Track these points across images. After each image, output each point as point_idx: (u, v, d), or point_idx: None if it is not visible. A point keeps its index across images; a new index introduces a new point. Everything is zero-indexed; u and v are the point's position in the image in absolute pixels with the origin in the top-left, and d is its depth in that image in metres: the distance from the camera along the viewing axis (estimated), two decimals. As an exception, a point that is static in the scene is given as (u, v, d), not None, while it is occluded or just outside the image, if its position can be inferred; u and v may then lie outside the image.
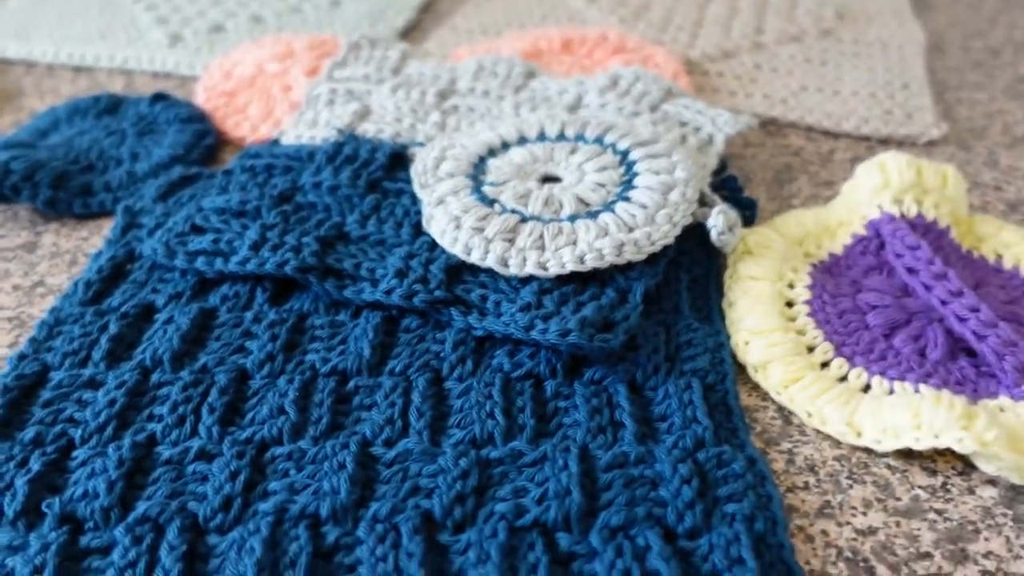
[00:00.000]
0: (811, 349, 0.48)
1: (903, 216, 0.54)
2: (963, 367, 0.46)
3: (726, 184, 0.59)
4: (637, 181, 0.53)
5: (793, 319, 0.49)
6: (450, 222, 0.51)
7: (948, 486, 0.41)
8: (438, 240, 0.50)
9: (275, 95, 0.73)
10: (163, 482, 0.39)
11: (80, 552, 0.36)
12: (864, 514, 0.40)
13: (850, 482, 0.41)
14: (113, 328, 0.48)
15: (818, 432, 0.44)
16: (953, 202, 0.55)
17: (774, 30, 0.88)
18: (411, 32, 0.92)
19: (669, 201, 0.51)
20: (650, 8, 0.95)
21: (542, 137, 0.58)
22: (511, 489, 0.38)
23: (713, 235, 0.51)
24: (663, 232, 0.49)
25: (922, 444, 0.41)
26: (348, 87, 0.69)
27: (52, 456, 0.40)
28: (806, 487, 0.41)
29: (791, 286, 0.51)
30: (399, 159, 0.59)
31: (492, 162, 0.56)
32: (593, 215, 0.50)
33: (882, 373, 0.46)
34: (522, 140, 0.58)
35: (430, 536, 0.37)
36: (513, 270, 0.48)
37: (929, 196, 0.54)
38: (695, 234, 0.54)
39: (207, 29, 0.89)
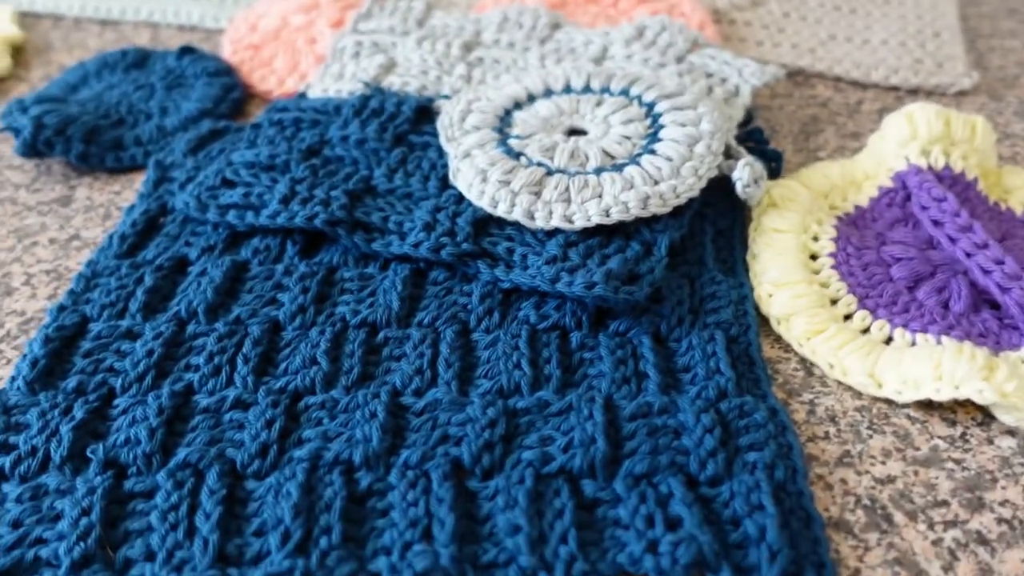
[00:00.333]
0: (834, 301, 0.48)
1: (930, 168, 0.53)
2: (986, 319, 0.46)
3: (752, 136, 0.59)
4: (663, 133, 0.53)
5: (817, 271, 0.49)
6: (477, 175, 0.51)
7: (967, 436, 0.42)
8: (465, 193, 0.51)
9: (300, 48, 0.73)
10: (202, 430, 0.40)
11: (124, 495, 0.38)
12: (883, 463, 0.40)
13: (870, 432, 0.42)
14: (148, 280, 0.49)
15: (839, 383, 0.45)
16: (981, 154, 0.55)
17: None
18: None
19: (695, 154, 0.51)
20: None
21: (568, 89, 0.58)
22: (538, 437, 0.40)
23: (738, 188, 0.51)
24: (688, 185, 0.50)
25: (942, 395, 0.41)
26: (373, 39, 0.69)
27: (94, 404, 0.42)
28: (826, 437, 0.42)
29: (816, 238, 0.51)
30: (425, 112, 0.60)
31: (518, 115, 0.57)
32: (619, 168, 0.51)
33: (905, 325, 0.46)
34: (548, 92, 0.58)
35: (459, 482, 0.38)
36: (539, 223, 0.49)
37: (957, 148, 0.54)
38: (720, 186, 0.54)
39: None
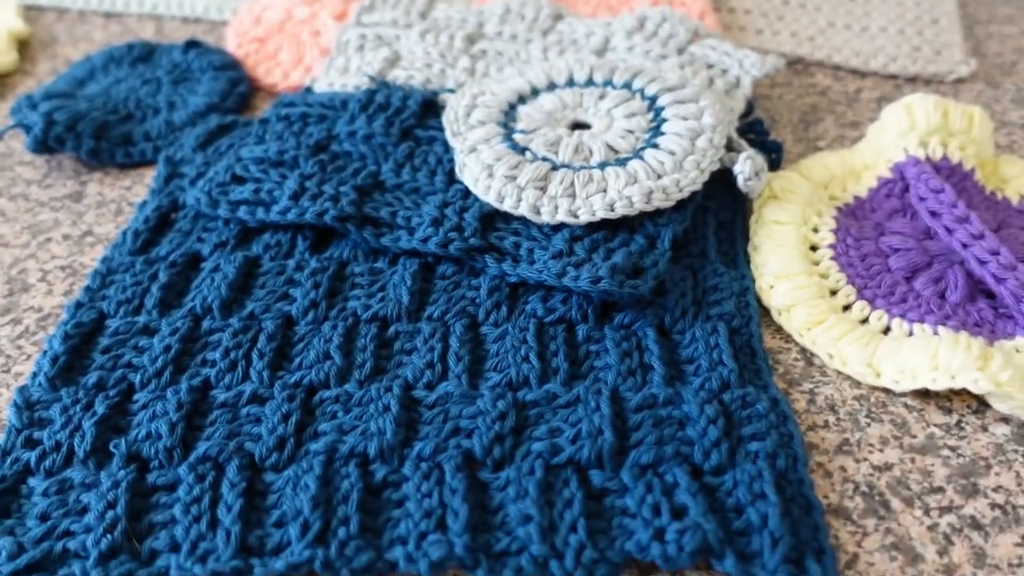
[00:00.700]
0: (834, 292, 0.49)
1: (928, 159, 0.54)
2: (982, 309, 0.47)
3: (752, 127, 0.60)
4: (665, 127, 0.54)
5: (817, 263, 0.51)
6: (483, 170, 0.52)
7: (962, 424, 0.43)
8: (471, 188, 0.52)
9: (305, 40, 0.73)
10: (220, 424, 0.42)
11: (148, 489, 0.39)
12: (881, 451, 0.42)
13: (868, 420, 0.43)
14: (163, 277, 0.50)
15: (839, 373, 0.46)
16: (979, 144, 0.56)
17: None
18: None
19: (697, 147, 0.52)
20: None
21: (571, 83, 0.59)
22: (546, 429, 0.41)
23: (740, 181, 0.52)
24: (691, 179, 0.51)
25: (939, 384, 0.43)
26: (377, 32, 0.70)
27: (115, 399, 0.43)
28: (826, 425, 0.43)
29: (815, 230, 0.52)
30: (430, 106, 0.61)
31: (522, 109, 0.57)
32: (622, 162, 0.52)
33: (902, 315, 0.47)
34: (551, 86, 0.59)
35: (471, 473, 0.39)
36: (545, 218, 0.50)
37: (955, 138, 0.55)
38: (722, 178, 0.55)
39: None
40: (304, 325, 0.47)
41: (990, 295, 0.48)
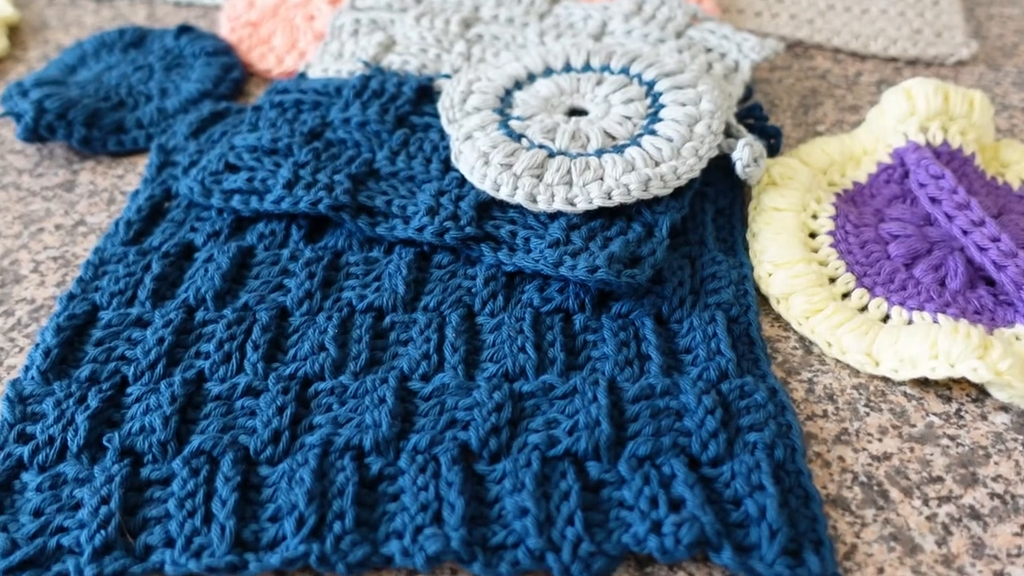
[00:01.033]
0: (833, 280, 0.49)
1: (928, 144, 0.54)
2: (982, 296, 0.47)
3: (751, 112, 0.59)
4: (663, 113, 0.53)
5: (816, 250, 0.50)
6: (479, 158, 0.51)
7: (962, 412, 0.43)
8: (467, 176, 0.51)
9: (299, 25, 0.73)
10: (214, 417, 0.41)
11: (142, 483, 0.39)
12: (880, 440, 0.42)
13: (867, 410, 0.43)
14: (156, 267, 0.49)
15: (838, 362, 0.46)
16: (979, 128, 0.55)
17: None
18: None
19: (695, 134, 0.51)
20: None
21: (568, 68, 0.59)
22: (543, 421, 0.41)
23: (738, 168, 0.52)
24: (689, 166, 0.50)
25: (938, 373, 0.42)
26: (372, 16, 0.69)
27: (108, 393, 0.43)
28: (824, 415, 0.43)
29: (815, 216, 0.52)
30: (425, 92, 0.60)
31: (518, 95, 0.57)
32: (620, 149, 0.51)
33: (902, 303, 0.47)
34: (548, 71, 0.59)
35: (467, 466, 0.39)
36: (541, 206, 0.49)
37: (955, 123, 0.54)
38: (720, 165, 0.54)
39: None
40: (299, 316, 0.47)
41: (990, 282, 0.48)
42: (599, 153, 0.51)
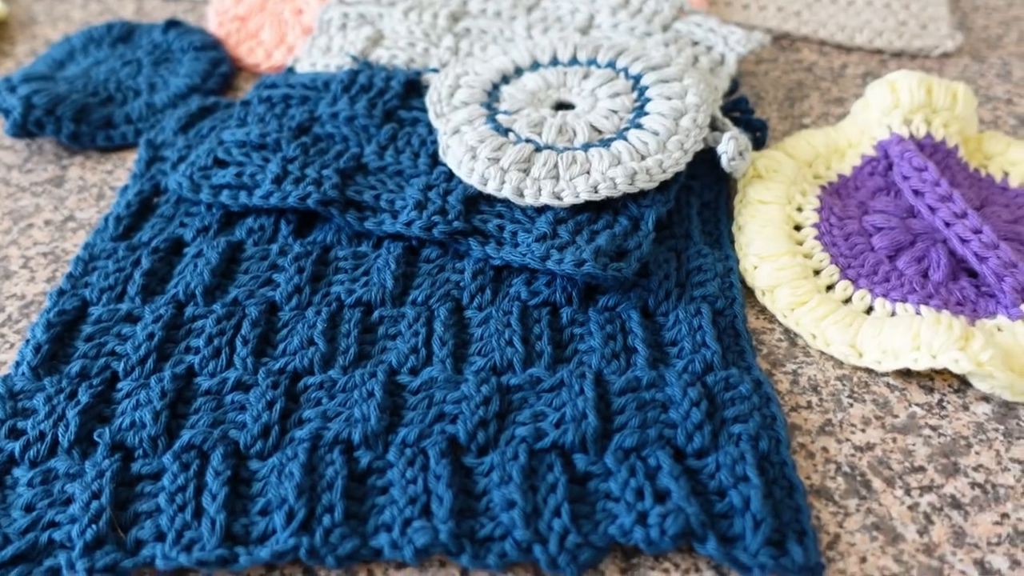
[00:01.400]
0: (817, 272, 0.49)
1: (912, 137, 0.54)
2: (964, 287, 0.48)
3: (737, 105, 0.59)
4: (649, 107, 0.53)
5: (801, 242, 0.51)
6: (466, 152, 0.52)
7: (944, 403, 0.43)
8: (455, 171, 0.52)
9: (287, 19, 0.73)
10: (204, 412, 0.42)
11: (132, 478, 0.39)
12: (863, 431, 0.42)
13: (851, 401, 0.44)
14: (145, 263, 0.50)
15: (822, 353, 0.46)
16: (963, 121, 0.56)
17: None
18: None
19: (680, 127, 0.52)
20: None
21: (555, 62, 0.59)
22: (530, 414, 0.41)
23: (724, 161, 0.52)
24: (674, 159, 0.50)
25: (920, 364, 0.43)
26: (360, 10, 0.69)
27: (98, 388, 0.43)
28: (809, 406, 0.43)
29: (800, 209, 0.52)
30: (413, 87, 0.60)
31: (506, 89, 0.57)
32: (606, 143, 0.51)
33: (885, 295, 0.47)
34: (535, 65, 0.59)
35: (456, 459, 0.39)
36: (528, 200, 0.49)
37: (939, 116, 0.55)
38: (706, 158, 0.55)
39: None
40: (288, 311, 0.47)
41: (972, 274, 0.48)
42: (586, 147, 0.51)
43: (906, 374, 0.45)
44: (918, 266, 0.48)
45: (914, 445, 0.41)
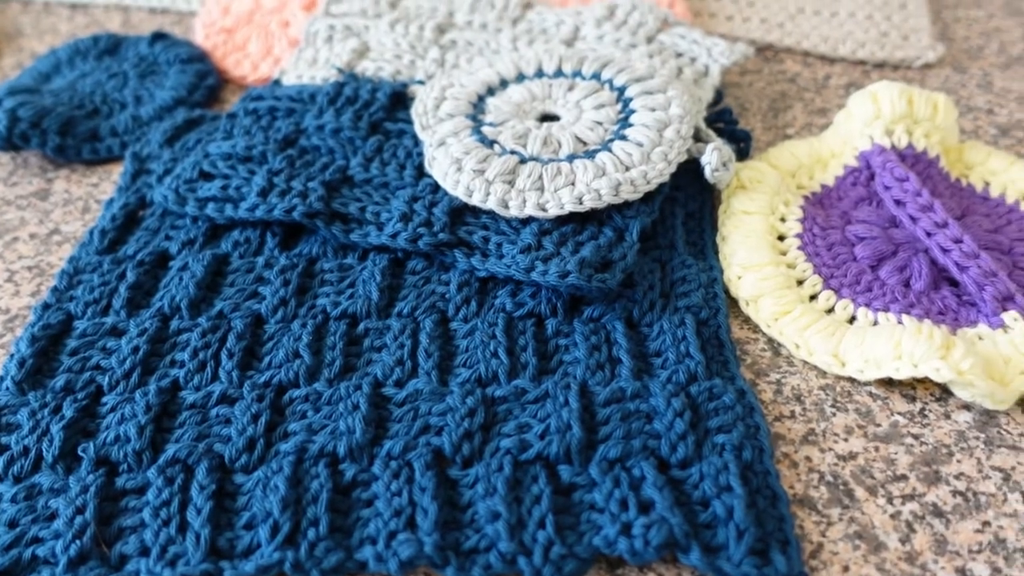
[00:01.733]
0: (801, 282, 0.50)
1: (893, 147, 0.55)
2: (945, 296, 0.48)
3: (721, 116, 0.60)
4: (633, 118, 0.54)
5: (784, 252, 0.51)
6: (452, 164, 0.52)
7: (926, 412, 0.44)
8: (440, 182, 0.52)
9: (274, 31, 0.73)
10: (189, 425, 0.42)
11: (117, 492, 0.39)
12: (846, 440, 0.42)
13: (834, 410, 0.44)
14: (131, 276, 0.50)
15: (805, 363, 0.47)
16: (944, 131, 0.56)
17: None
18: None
19: (664, 139, 0.52)
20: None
21: (540, 73, 0.59)
22: (515, 425, 0.41)
23: (707, 172, 0.53)
24: (659, 170, 0.51)
25: (902, 373, 0.43)
26: (346, 23, 0.69)
27: (83, 402, 0.43)
28: (792, 416, 0.44)
29: (783, 219, 0.53)
30: (399, 99, 0.60)
31: (491, 101, 0.57)
32: (591, 154, 0.52)
33: (867, 304, 0.48)
34: (520, 77, 0.59)
35: (441, 471, 0.39)
36: (513, 211, 0.50)
37: (920, 126, 0.55)
38: (690, 169, 0.55)
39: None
40: (273, 323, 0.47)
41: (954, 283, 0.49)
42: (570, 158, 0.52)
43: (888, 383, 0.45)
44: (900, 275, 0.49)
45: (896, 454, 0.42)
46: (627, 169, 0.51)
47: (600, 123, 0.54)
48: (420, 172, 0.54)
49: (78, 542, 0.36)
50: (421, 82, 0.62)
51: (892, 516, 0.39)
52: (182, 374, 0.44)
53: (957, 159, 0.57)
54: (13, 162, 0.63)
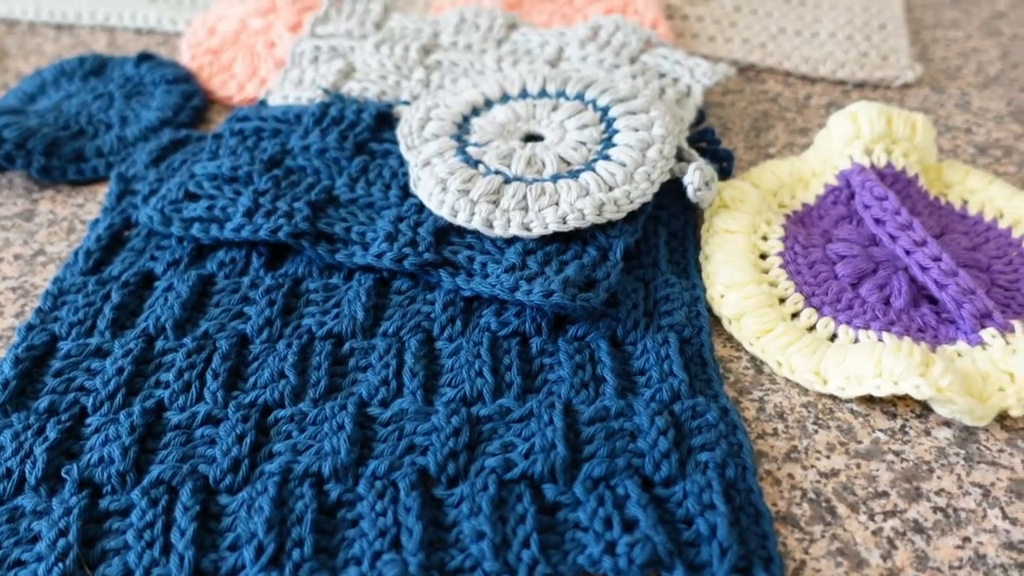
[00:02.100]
0: (783, 300, 0.50)
1: (873, 166, 0.55)
2: (925, 314, 0.49)
3: (704, 136, 0.60)
4: (617, 138, 0.54)
5: (766, 271, 0.52)
6: (436, 184, 0.52)
7: (906, 428, 0.44)
8: (425, 202, 0.52)
9: (259, 52, 0.73)
10: (173, 446, 0.42)
11: (100, 514, 0.39)
12: (828, 457, 0.43)
13: (816, 427, 0.44)
14: (115, 297, 0.50)
15: (787, 380, 0.47)
16: (922, 150, 0.57)
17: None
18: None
19: (647, 159, 0.53)
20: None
21: (524, 94, 0.60)
22: (500, 444, 0.41)
23: (690, 192, 0.53)
24: (642, 190, 0.51)
25: (883, 391, 0.44)
26: (332, 44, 0.70)
27: (67, 424, 0.43)
28: (775, 433, 0.44)
29: (765, 238, 0.53)
30: (384, 119, 0.61)
31: (476, 121, 0.58)
32: (574, 174, 0.52)
33: (848, 322, 0.48)
34: (505, 97, 0.60)
35: (426, 491, 0.39)
36: (498, 231, 0.50)
37: (899, 145, 0.56)
38: (673, 188, 0.56)
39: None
40: (259, 344, 0.47)
41: (933, 300, 0.49)
42: (554, 178, 0.52)
43: (869, 400, 0.46)
44: (880, 293, 0.49)
45: (877, 471, 0.42)
46: (610, 189, 0.51)
47: (584, 143, 0.55)
48: (405, 192, 0.54)
49: (61, 565, 0.36)
50: (406, 103, 0.63)
51: (874, 533, 0.39)
52: (167, 395, 0.44)
53: (936, 178, 0.58)
54: (-2, 183, 0.63)
